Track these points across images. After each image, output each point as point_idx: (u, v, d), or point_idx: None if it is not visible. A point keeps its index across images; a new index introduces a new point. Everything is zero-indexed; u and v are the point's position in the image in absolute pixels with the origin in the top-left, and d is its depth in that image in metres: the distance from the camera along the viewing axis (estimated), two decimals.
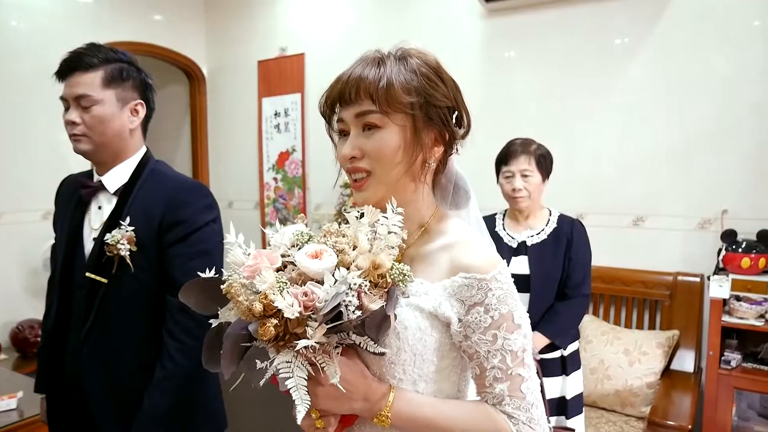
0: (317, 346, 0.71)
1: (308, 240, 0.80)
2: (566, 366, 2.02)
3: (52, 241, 3.33)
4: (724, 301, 2.40)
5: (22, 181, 3.25)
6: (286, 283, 0.73)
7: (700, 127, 2.71)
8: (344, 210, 3.14)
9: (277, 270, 0.77)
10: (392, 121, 0.84)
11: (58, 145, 3.32)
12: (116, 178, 1.48)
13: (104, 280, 1.40)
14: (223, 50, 4.38)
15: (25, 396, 2.03)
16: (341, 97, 0.87)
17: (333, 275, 0.73)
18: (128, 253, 1.38)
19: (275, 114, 4.11)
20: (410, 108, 0.84)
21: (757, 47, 2.57)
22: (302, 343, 0.69)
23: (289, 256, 0.79)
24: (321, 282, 0.74)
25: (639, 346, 2.58)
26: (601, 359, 2.61)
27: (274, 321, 0.71)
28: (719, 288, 2.37)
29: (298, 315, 0.70)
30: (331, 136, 0.95)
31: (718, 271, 2.52)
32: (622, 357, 2.58)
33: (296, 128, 3.99)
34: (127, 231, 1.38)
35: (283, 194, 4.14)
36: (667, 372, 2.59)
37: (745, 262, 2.42)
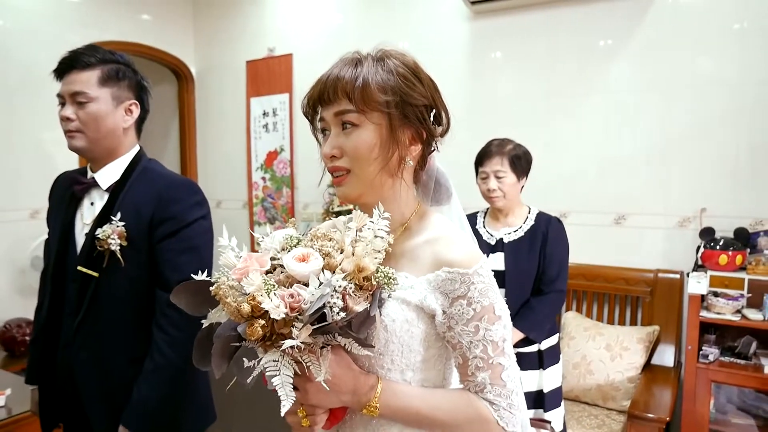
0: (303, 346, 0.74)
1: (296, 244, 0.83)
2: (543, 360, 2.07)
3: (40, 239, 3.32)
4: (703, 297, 2.47)
5: (8, 180, 3.25)
6: (273, 285, 0.77)
7: (680, 127, 2.77)
8: (331, 209, 3.17)
9: (267, 273, 0.81)
10: (369, 119, 0.88)
11: (45, 144, 3.33)
12: (109, 175, 1.51)
13: (95, 274, 1.44)
14: (211, 50, 4.39)
15: (14, 393, 2.05)
16: (321, 97, 0.90)
17: (318, 278, 0.76)
18: (119, 247, 1.42)
19: (263, 114, 4.13)
20: (386, 106, 0.88)
21: (734, 50, 2.63)
22: (288, 343, 0.73)
23: (278, 259, 0.83)
24: (307, 284, 0.77)
25: (620, 341, 2.65)
26: (583, 354, 2.68)
27: (262, 322, 0.74)
28: (697, 284, 2.43)
29: (284, 316, 0.73)
30: (315, 136, 0.99)
31: (697, 267, 2.59)
32: (603, 352, 2.64)
33: (284, 128, 4.02)
34: (117, 226, 1.42)
35: (272, 193, 4.17)
36: (647, 366, 2.65)
37: (723, 259, 2.49)
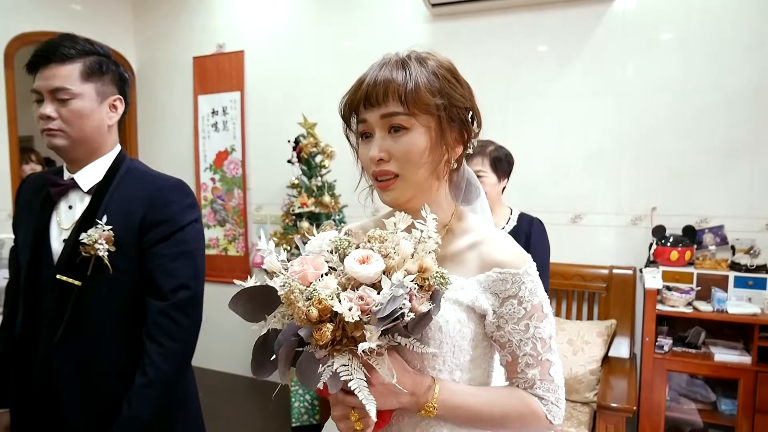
0: (375, 348, 0.72)
1: (348, 245, 0.80)
2: None
3: None
4: (658, 291, 2.61)
5: None
6: (337, 288, 0.74)
7: (630, 130, 2.92)
8: (292, 211, 3.06)
9: (324, 275, 0.78)
10: (419, 122, 0.87)
11: None
12: (90, 175, 1.40)
13: (78, 283, 1.33)
14: (154, 45, 4.19)
15: None
16: (367, 99, 0.88)
17: (390, 279, 0.74)
18: (106, 253, 1.32)
19: (212, 112, 3.98)
20: (436, 109, 0.88)
21: (679, 58, 2.81)
22: (363, 345, 0.70)
23: (330, 261, 0.80)
24: (371, 286, 0.75)
25: (581, 335, 2.75)
26: None
27: (330, 326, 0.71)
28: (653, 279, 2.57)
29: (357, 319, 0.71)
30: (347, 138, 0.97)
31: (649, 263, 2.74)
32: (566, 347, 2.74)
33: (236, 127, 3.89)
34: (104, 230, 1.32)
35: (222, 195, 4.03)
36: (605, 359, 2.77)
37: (674, 255, 2.65)
